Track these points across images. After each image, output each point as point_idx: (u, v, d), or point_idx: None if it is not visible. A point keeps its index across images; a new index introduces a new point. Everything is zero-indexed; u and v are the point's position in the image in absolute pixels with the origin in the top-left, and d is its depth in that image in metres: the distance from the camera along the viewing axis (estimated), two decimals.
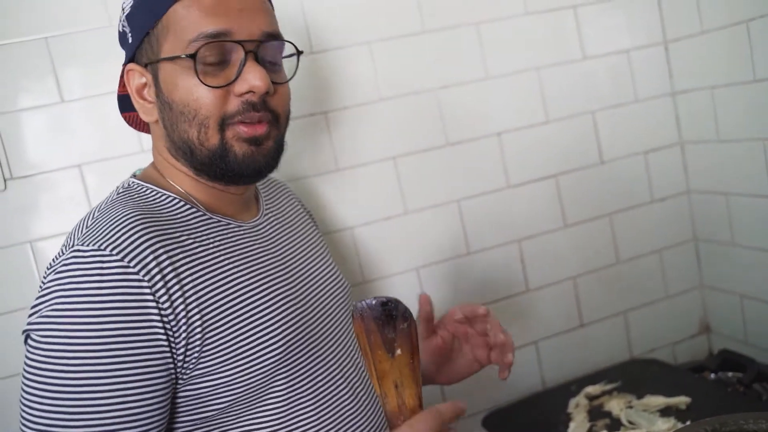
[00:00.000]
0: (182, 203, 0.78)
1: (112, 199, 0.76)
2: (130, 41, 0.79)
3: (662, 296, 1.44)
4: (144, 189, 0.78)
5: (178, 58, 0.73)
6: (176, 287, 0.69)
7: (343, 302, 0.91)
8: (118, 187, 0.80)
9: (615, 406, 1.10)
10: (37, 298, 0.68)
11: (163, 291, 0.67)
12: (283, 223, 0.91)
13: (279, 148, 0.80)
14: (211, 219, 0.79)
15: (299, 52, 0.82)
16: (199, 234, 0.76)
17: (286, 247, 0.87)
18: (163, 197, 0.78)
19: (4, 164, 1.07)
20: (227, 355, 0.71)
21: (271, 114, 0.77)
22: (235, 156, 0.75)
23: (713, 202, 1.37)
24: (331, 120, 1.21)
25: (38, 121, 1.08)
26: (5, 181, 1.07)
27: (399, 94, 1.24)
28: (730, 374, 1.18)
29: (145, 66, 0.77)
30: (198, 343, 0.69)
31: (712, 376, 1.20)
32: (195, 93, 0.73)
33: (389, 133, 1.24)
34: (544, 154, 1.33)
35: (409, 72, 1.25)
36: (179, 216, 0.76)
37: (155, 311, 0.67)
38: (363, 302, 0.81)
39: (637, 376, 1.23)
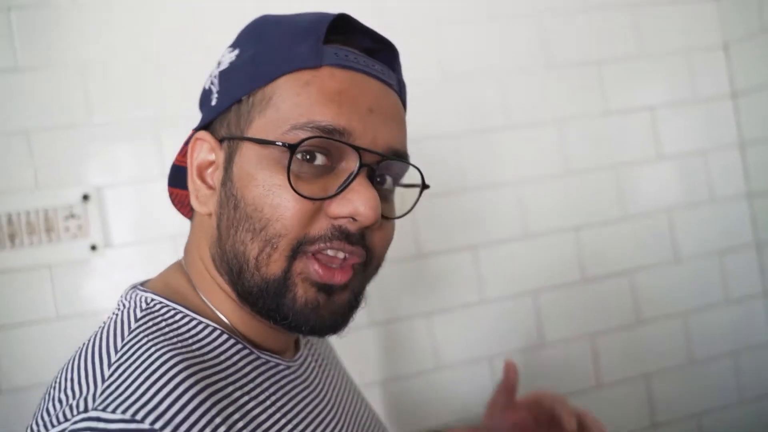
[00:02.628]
0: (226, 337, 0.57)
1: (132, 329, 0.53)
2: (213, 103, 0.59)
3: (736, 401, 1.40)
4: (172, 312, 0.56)
5: (269, 143, 0.53)
6: None
7: None
8: (130, 305, 0.57)
9: None
10: None
11: None
12: (317, 355, 0.72)
13: (355, 303, 0.59)
14: (259, 359, 0.58)
15: (424, 186, 0.62)
16: (250, 382, 0.55)
17: (330, 389, 0.68)
18: (201, 327, 0.56)
19: (105, 233, 1.12)
20: None
21: (366, 253, 0.56)
22: (294, 299, 0.54)
23: None
24: None
25: (140, 194, 1.14)
26: (103, 248, 1.12)
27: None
28: None
29: (221, 141, 0.58)
30: None
31: None
32: (276, 197, 0.53)
33: (467, 226, 1.27)
34: (621, 250, 1.34)
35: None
36: (224, 356, 0.55)
37: None
38: None
39: None
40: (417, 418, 1.24)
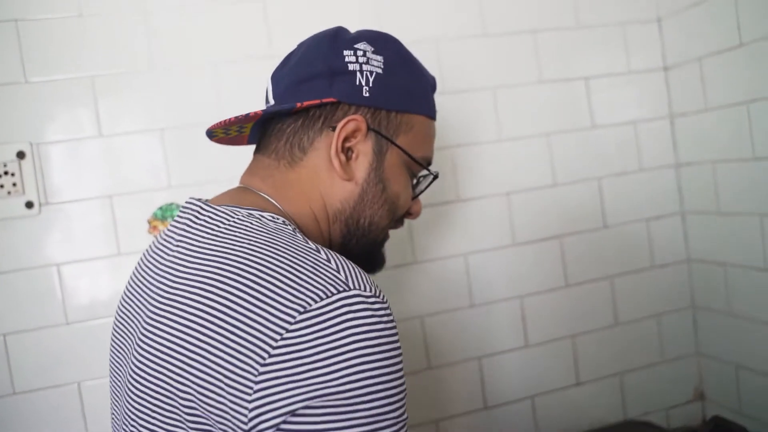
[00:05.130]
0: None
1: (300, 242, 0.62)
2: (365, 94, 0.75)
3: (658, 360, 1.48)
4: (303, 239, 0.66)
5: (417, 162, 0.79)
6: None
7: None
8: (277, 222, 0.66)
9: None
10: (318, 354, 0.53)
11: None
12: None
13: None
14: None
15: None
16: None
17: None
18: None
19: (41, 191, 1.13)
20: None
21: None
22: (381, 252, 0.83)
23: (712, 271, 1.42)
24: None
25: (76, 152, 1.15)
26: (40, 206, 1.13)
27: None
28: None
29: (368, 129, 0.74)
30: None
31: None
32: (406, 194, 0.80)
33: None
34: (550, 215, 1.39)
35: None
36: None
37: None
38: None
39: None
40: (452, 349, 1.34)
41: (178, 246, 0.67)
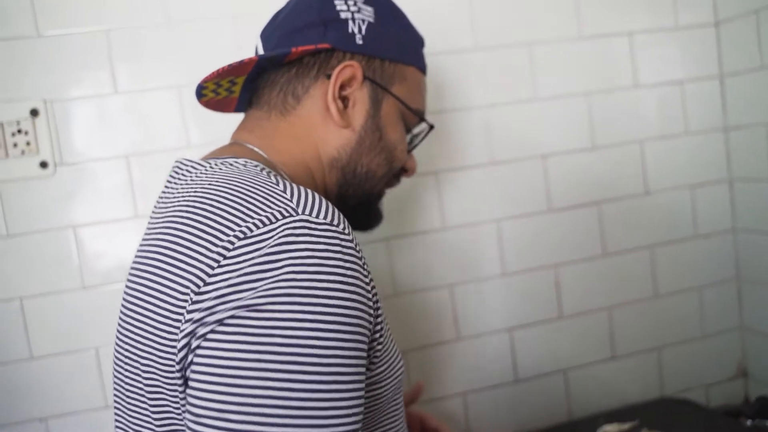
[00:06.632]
0: None
1: (260, 176, 0.60)
2: (358, 42, 0.74)
3: (699, 335, 1.40)
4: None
5: (413, 111, 0.78)
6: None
7: None
8: (244, 164, 0.64)
9: None
10: (248, 274, 0.51)
11: (370, 280, 0.58)
12: None
13: None
14: None
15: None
16: None
17: None
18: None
19: (55, 150, 1.09)
20: (384, 355, 0.62)
21: None
22: (378, 207, 0.83)
23: (760, 242, 1.33)
24: None
25: (91, 110, 1.11)
26: (54, 165, 1.09)
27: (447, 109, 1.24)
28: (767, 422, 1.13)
29: (365, 78, 0.73)
30: (375, 337, 0.60)
31: (749, 422, 1.16)
32: (402, 145, 0.79)
33: (432, 149, 1.24)
34: (588, 180, 1.31)
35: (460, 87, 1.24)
36: None
37: (371, 300, 0.57)
38: None
39: (668, 415, 1.19)
40: (482, 319, 1.27)
41: (157, 206, 0.67)
